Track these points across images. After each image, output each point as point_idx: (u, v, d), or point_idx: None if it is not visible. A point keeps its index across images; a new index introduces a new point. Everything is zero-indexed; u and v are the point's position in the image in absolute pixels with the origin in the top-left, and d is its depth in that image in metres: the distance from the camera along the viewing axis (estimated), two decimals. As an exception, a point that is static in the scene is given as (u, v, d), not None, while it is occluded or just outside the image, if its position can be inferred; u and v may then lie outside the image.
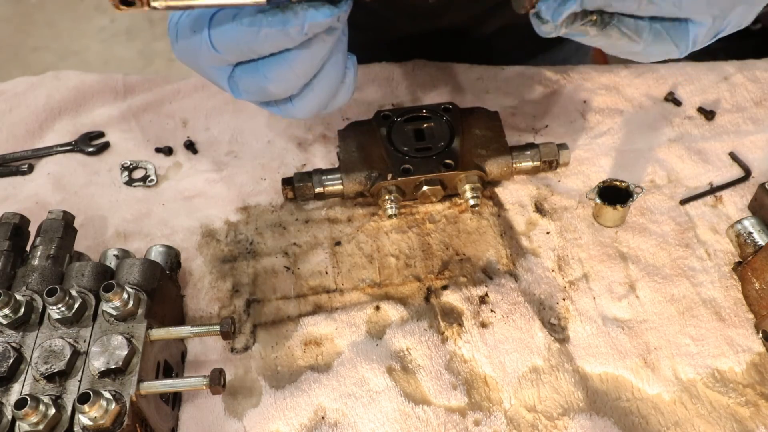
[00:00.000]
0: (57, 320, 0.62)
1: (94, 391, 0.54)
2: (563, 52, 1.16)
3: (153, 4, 0.47)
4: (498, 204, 0.84)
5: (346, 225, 0.83)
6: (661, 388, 0.68)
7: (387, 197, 0.80)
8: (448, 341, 0.72)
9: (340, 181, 0.81)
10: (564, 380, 0.69)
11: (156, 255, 0.74)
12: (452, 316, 0.74)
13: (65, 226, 0.72)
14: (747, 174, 0.85)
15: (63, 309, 0.61)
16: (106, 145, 0.93)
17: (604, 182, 0.79)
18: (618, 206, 0.77)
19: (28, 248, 0.72)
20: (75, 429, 0.56)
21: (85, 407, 0.53)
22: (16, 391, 0.58)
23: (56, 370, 0.58)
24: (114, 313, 0.62)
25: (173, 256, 0.75)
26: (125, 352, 0.58)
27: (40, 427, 0.55)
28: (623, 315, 0.74)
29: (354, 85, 0.59)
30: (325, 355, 0.72)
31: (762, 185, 0.77)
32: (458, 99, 0.96)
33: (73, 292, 0.62)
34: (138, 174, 0.90)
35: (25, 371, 0.59)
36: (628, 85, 0.97)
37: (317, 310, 0.76)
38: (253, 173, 0.89)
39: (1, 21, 3.10)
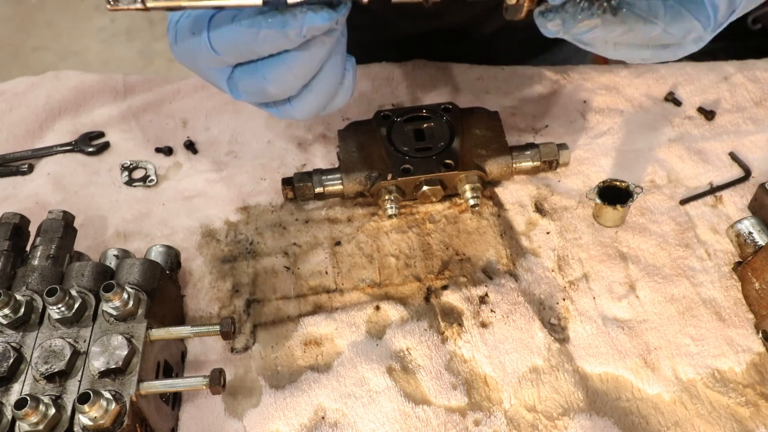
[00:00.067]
0: (57, 320, 0.62)
1: (94, 391, 0.54)
2: (563, 52, 1.16)
3: (148, 4, 0.47)
4: (498, 204, 0.84)
5: (346, 225, 0.83)
6: (661, 388, 0.68)
7: (387, 197, 0.80)
8: (448, 341, 0.72)
9: (340, 181, 0.81)
10: (564, 380, 0.69)
11: (156, 255, 0.74)
12: (452, 316, 0.74)
13: (65, 226, 0.72)
14: (747, 174, 0.85)
15: (63, 309, 0.61)
16: (106, 145, 0.93)
17: (604, 182, 0.79)
18: (618, 206, 0.77)
19: (28, 248, 0.72)
20: (75, 429, 0.56)
21: (85, 407, 0.53)
22: (16, 391, 0.58)
23: (56, 370, 0.58)
24: (114, 313, 0.62)
25: (173, 256, 0.75)
26: (125, 352, 0.58)
27: (40, 427, 0.55)
28: (623, 315, 0.74)
29: (353, 87, 0.59)
30: (325, 355, 0.72)
31: (762, 185, 0.77)
32: (458, 99, 0.96)
33: (73, 292, 0.62)
34: (138, 174, 0.90)
35: (25, 371, 0.59)
36: (628, 85, 0.97)
37: (317, 310, 0.76)
38: (253, 173, 0.89)
39: (1, 21, 3.10)
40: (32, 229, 0.74)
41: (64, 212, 0.74)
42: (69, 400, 0.57)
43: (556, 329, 0.73)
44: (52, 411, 0.55)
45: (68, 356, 0.58)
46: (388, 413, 0.67)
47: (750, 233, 0.75)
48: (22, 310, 0.62)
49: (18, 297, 0.62)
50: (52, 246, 0.70)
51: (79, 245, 0.76)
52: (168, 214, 0.85)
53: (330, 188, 0.81)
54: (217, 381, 0.59)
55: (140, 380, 0.58)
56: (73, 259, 0.73)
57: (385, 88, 0.99)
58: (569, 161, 0.84)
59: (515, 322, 0.73)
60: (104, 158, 0.92)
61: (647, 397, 0.68)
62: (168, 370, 0.67)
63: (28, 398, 0.54)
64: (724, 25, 0.54)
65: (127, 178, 0.89)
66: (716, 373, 0.69)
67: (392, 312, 0.74)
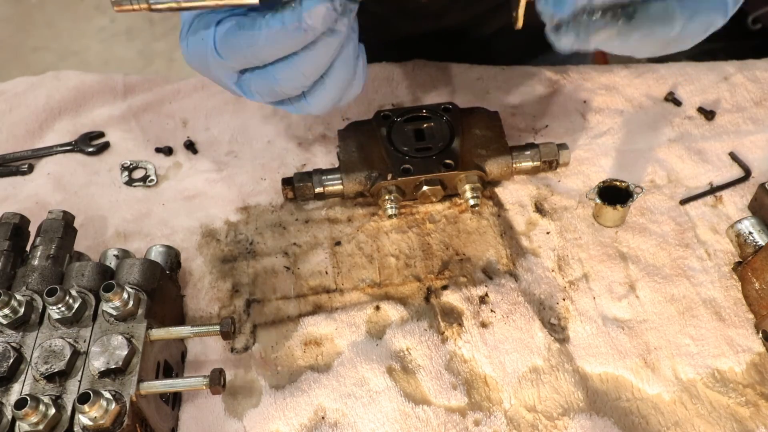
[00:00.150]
0: (57, 320, 0.62)
1: (94, 391, 0.54)
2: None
3: (153, 6, 0.48)
4: (498, 204, 0.84)
5: (346, 225, 0.83)
6: (661, 388, 0.68)
7: (387, 197, 0.80)
8: (448, 341, 0.72)
9: (340, 181, 0.81)
10: (564, 380, 0.69)
11: (156, 255, 0.74)
12: (452, 316, 0.74)
13: (65, 226, 0.72)
14: (747, 174, 0.85)
15: (63, 309, 0.61)
16: (106, 145, 0.93)
17: (604, 182, 0.79)
18: (618, 206, 0.77)
19: (28, 248, 0.72)
20: (75, 429, 0.56)
21: (85, 407, 0.53)
22: (16, 391, 0.58)
23: (56, 370, 0.58)
24: (114, 313, 0.62)
25: (173, 256, 0.75)
26: (125, 352, 0.58)
27: (40, 427, 0.55)
28: (623, 315, 0.74)
29: (365, 75, 0.59)
30: (325, 355, 0.72)
31: (762, 185, 0.77)
32: (458, 99, 0.96)
33: (73, 292, 0.62)
34: (138, 174, 0.90)
35: (25, 371, 0.59)
36: (628, 85, 0.97)
37: (317, 310, 0.76)
38: (253, 173, 0.89)
39: (1, 21, 3.10)
40: (32, 229, 0.74)
41: (64, 212, 0.74)
42: (69, 400, 0.57)
43: (556, 329, 0.73)
44: (52, 411, 0.55)
45: (68, 356, 0.58)
46: (388, 413, 0.67)
47: (750, 233, 0.75)
48: (22, 310, 0.62)
49: (18, 297, 0.62)
50: (52, 246, 0.70)
51: (79, 245, 0.76)
52: (168, 214, 0.85)
53: (330, 188, 0.81)
54: (217, 381, 0.59)
55: (140, 380, 0.58)
56: (73, 259, 0.73)
57: (385, 88, 0.99)
58: (569, 161, 0.84)
59: (515, 322, 0.73)
60: (104, 158, 0.92)
61: (647, 397, 0.68)
62: (168, 370, 0.67)
63: (28, 398, 0.54)
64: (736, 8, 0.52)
65: (127, 178, 0.89)
66: (716, 373, 0.69)
67: (392, 312, 0.74)
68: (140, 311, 0.63)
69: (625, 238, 0.80)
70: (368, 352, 0.71)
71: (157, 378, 0.63)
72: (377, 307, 0.75)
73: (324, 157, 0.90)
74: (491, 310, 0.74)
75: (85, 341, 0.61)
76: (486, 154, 0.82)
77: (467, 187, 0.80)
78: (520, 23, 0.51)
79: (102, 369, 0.58)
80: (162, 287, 0.67)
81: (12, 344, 0.60)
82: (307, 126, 0.94)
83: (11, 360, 0.59)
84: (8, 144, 0.93)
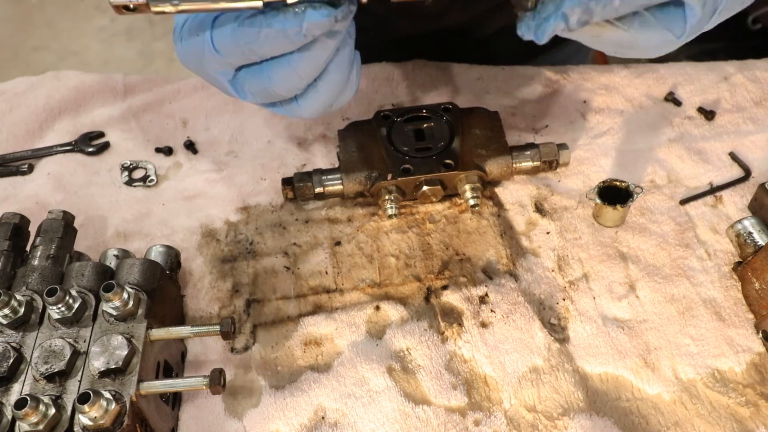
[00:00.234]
0: (57, 320, 0.62)
1: (94, 391, 0.54)
2: (563, 53, 1.16)
3: (154, 9, 0.48)
4: (498, 204, 0.84)
5: (346, 225, 0.83)
6: (661, 388, 0.68)
7: (387, 197, 0.80)
8: (448, 341, 0.72)
9: (340, 181, 0.81)
10: (564, 380, 0.69)
11: (156, 255, 0.74)
12: (452, 316, 0.74)
13: (65, 226, 0.72)
14: (747, 174, 0.85)
15: (63, 309, 0.61)
16: (106, 145, 0.93)
17: (604, 182, 0.79)
18: (618, 206, 0.77)
19: (28, 248, 0.72)
20: (75, 429, 0.56)
21: (85, 407, 0.53)
22: (16, 391, 0.58)
23: (56, 370, 0.58)
24: (114, 313, 0.62)
25: (173, 256, 0.75)
26: (125, 352, 0.58)
27: (40, 427, 0.55)
28: (623, 315, 0.74)
29: (358, 81, 0.59)
30: (325, 355, 0.72)
31: (762, 185, 0.77)
32: (458, 99, 0.96)
33: (73, 292, 0.62)
34: (138, 174, 0.90)
35: (25, 371, 0.59)
36: (628, 85, 0.97)
37: (317, 310, 0.76)
38: (253, 173, 0.89)
39: (1, 21, 3.10)
40: (32, 229, 0.74)
41: (64, 212, 0.74)
42: (69, 400, 0.57)
43: (556, 329, 0.73)
44: (52, 411, 0.55)
45: (68, 356, 0.58)
46: (388, 413, 0.67)
47: (750, 233, 0.75)
48: (22, 310, 0.62)
49: (18, 297, 0.62)
50: (52, 246, 0.70)
51: (79, 245, 0.76)
52: (168, 214, 0.85)
53: (330, 188, 0.81)
54: (217, 381, 0.59)
55: (140, 380, 0.58)
56: (73, 259, 0.73)
57: (385, 88, 0.99)
58: (569, 161, 0.84)
59: (515, 322, 0.73)
60: (104, 158, 0.92)
61: (647, 397, 0.68)
62: (168, 370, 0.67)
63: (28, 398, 0.54)
64: (701, 31, 0.54)
65: (127, 178, 0.89)
66: (716, 373, 0.69)
67: (392, 312, 0.74)
68: (140, 311, 0.63)
69: (625, 238, 0.80)
70: (368, 352, 0.71)
71: (157, 378, 0.63)
72: (377, 307, 0.75)
73: (324, 157, 0.90)
74: (491, 310, 0.74)
75: (85, 341, 0.61)
76: (486, 154, 0.82)
77: (467, 187, 0.80)
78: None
79: (102, 369, 0.58)
80: (162, 287, 0.67)
81: (12, 344, 0.60)
82: (307, 126, 0.94)
83: (11, 360, 0.59)
84: (8, 144, 0.93)
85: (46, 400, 0.55)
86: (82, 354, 0.60)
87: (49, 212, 0.74)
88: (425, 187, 0.80)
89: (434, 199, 0.82)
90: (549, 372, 0.70)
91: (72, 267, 0.67)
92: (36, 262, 0.69)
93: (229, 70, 0.57)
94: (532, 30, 0.50)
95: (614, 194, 0.78)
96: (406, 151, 0.82)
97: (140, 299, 0.63)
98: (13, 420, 0.56)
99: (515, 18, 0.52)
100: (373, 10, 0.51)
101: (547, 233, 0.81)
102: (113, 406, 0.55)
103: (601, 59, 1.73)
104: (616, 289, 0.76)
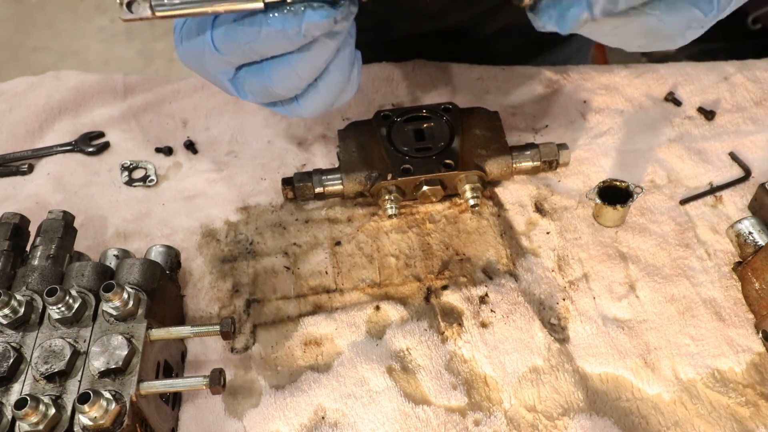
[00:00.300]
0: (57, 320, 0.62)
1: (94, 391, 0.54)
2: (563, 53, 1.16)
3: (159, 14, 0.48)
4: (498, 204, 0.84)
5: (346, 225, 0.83)
6: (661, 388, 0.68)
7: (387, 197, 0.80)
8: (448, 341, 0.72)
9: (340, 181, 0.81)
10: (564, 380, 0.69)
11: (156, 255, 0.74)
12: (452, 316, 0.74)
13: (65, 226, 0.72)
14: (747, 174, 0.85)
15: (63, 309, 0.61)
16: (106, 145, 0.93)
17: (604, 182, 0.79)
18: (618, 206, 0.77)
19: (28, 248, 0.72)
20: (75, 429, 0.56)
21: (85, 407, 0.53)
22: (16, 391, 0.58)
23: (56, 370, 0.58)
24: (114, 313, 0.62)
25: (173, 256, 0.75)
26: (125, 352, 0.58)
27: (40, 427, 0.55)
28: (623, 315, 0.74)
29: (359, 80, 0.59)
30: (325, 355, 0.72)
31: (762, 185, 0.77)
32: (458, 99, 0.96)
33: (73, 292, 0.62)
34: (138, 174, 0.90)
35: (25, 371, 0.59)
36: (628, 85, 0.97)
37: (317, 310, 0.76)
38: (253, 173, 0.89)
39: (1, 21, 3.10)
40: (32, 229, 0.74)
41: (64, 212, 0.74)
42: (69, 400, 0.57)
43: (556, 329, 0.73)
44: (52, 411, 0.55)
45: (68, 356, 0.58)
46: (388, 413, 0.67)
47: (750, 233, 0.75)
48: (22, 310, 0.62)
49: (18, 297, 0.62)
50: (52, 246, 0.70)
51: (79, 245, 0.76)
52: (168, 214, 0.85)
53: (330, 188, 0.81)
54: (217, 381, 0.59)
55: (140, 380, 0.58)
56: (73, 259, 0.73)
57: (385, 88, 0.99)
58: (569, 161, 0.84)
59: (515, 322, 0.73)
60: (104, 158, 0.92)
61: (647, 397, 0.68)
62: (168, 370, 0.67)
63: (28, 398, 0.54)
64: (729, 11, 0.52)
65: (127, 178, 0.89)
66: (716, 373, 0.69)
67: (392, 312, 0.74)
68: (140, 311, 0.63)
69: (625, 238, 0.80)
70: (368, 352, 0.71)
71: (157, 378, 0.63)
72: (377, 307, 0.75)
73: (324, 157, 0.90)
74: (491, 310, 0.74)
75: (85, 341, 0.61)
76: (486, 154, 0.82)
77: (467, 187, 0.80)
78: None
79: (102, 369, 0.58)
80: (162, 287, 0.67)
81: (12, 344, 0.60)
82: (307, 126, 0.94)
83: (11, 360, 0.59)
84: (8, 144, 0.93)
85: (46, 400, 0.55)
86: (82, 354, 0.60)
87: (49, 212, 0.74)
88: (425, 187, 0.80)
89: (434, 199, 0.82)
90: (549, 372, 0.70)
91: (72, 267, 0.67)
92: (36, 262, 0.69)
93: (229, 69, 0.57)
94: (553, 19, 0.48)
95: (614, 194, 0.78)
96: (406, 151, 0.82)
97: (140, 299, 0.63)
98: (13, 420, 0.56)
99: (515, 18, 0.52)
100: (373, 9, 0.51)
101: (547, 233, 0.81)
102: (113, 406, 0.55)
103: (601, 59, 1.73)
104: (616, 289, 0.76)
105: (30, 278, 0.66)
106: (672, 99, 0.95)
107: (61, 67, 2.25)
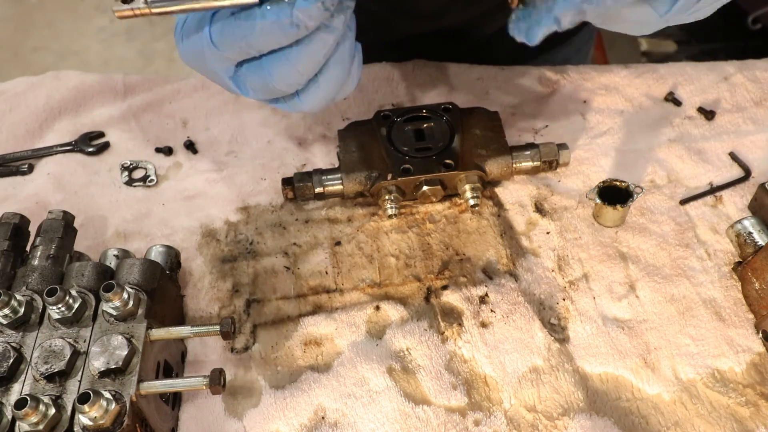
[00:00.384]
0: (57, 320, 0.62)
1: (94, 391, 0.54)
2: (563, 53, 1.16)
3: (155, 10, 0.48)
4: (498, 204, 0.84)
5: (346, 225, 0.83)
6: (661, 388, 0.68)
7: (387, 197, 0.80)
8: (448, 341, 0.72)
9: (340, 181, 0.81)
10: (564, 380, 0.69)
11: (156, 255, 0.74)
12: (452, 316, 0.74)
13: (65, 226, 0.72)
14: (747, 174, 0.85)
15: (63, 309, 0.61)
16: (106, 145, 0.93)
17: (604, 182, 0.79)
18: (618, 206, 0.77)
19: (28, 248, 0.72)
20: (75, 429, 0.56)
21: (85, 407, 0.53)
22: (16, 391, 0.58)
23: (56, 370, 0.58)
24: (114, 313, 0.62)
25: (173, 256, 0.75)
26: (125, 352, 0.58)
27: (40, 427, 0.55)
28: (623, 315, 0.74)
29: (359, 74, 0.60)
30: (325, 355, 0.72)
31: (762, 185, 0.77)
32: (458, 99, 0.96)
33: (73, 292, 0.62)
34: (138, 174, 0.90)
35: (25, 371, 0.59)
36: (628, 85, 0.97)
37: (317, 310, 0.76)
38: (253, 173, 0.89)
39: (1, 21, 3.10)
40: (32, 229, 0.74)
41: (64, 212, 0.74)
42: (69, 400, 0.57)
43: (556, 329, 0.73)
44: (52, 411, 0.55)
45: (68, 356, 0.58)
46: (388, 413, 0.67)
47: (750, 233, 0.75)
48: (22, 310, 0.62)
49: (18, 297, 0.62)
50: (52, 246, 0.70)
51: (79, 245, 0.76)
52: (168, 214, 0.85)
53: (330, 188, 0.81)
54: (217, 381, 0.59)
55: (140, 380, 0.58)
56: (73, 259, 0.73)
57: (385, 88, 0.99)
58: (569, 161, 0.84)
59: (515, 322, 0.73)
60: (104, 158, 0.92)
61: (647, 397, 0.68)
62: (168, 370, 0.67)
63: (28, 398, 0.54)
64: (689, 16, 0.54)
65: (127, 178, 0.89)
66: (716, 373, 0.69)
67: (392, 312, 0.74)
68: (140, 311, 0.63)
69: (625, 238, 0.80)
70: (368, 352, 0.71)
71: (157, 378, 0.63)
72: (377, 307, 0.75)
73: (324, 157, 0.90)
74: (491, 310, 0.74)
75: (85, 341, 0.61)
76: (486, 154, 0.82)
77: (467, 187, 0.80)
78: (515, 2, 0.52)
79: (102, 369, 0.58)
80: (162, 287, 0.67)
81: (12, 344, 0.60)
82: (307, 126, 0.94)
83: (11, 360, 0.59)
84: (8, 144, 0.93)
85: (46, 400, 0.55)
86: (82, 354, 0.60)
87: (49, 212, 0.74)
88: (425, 187, 0.80)
89: (434, 199, 0.82)
90: (549, 372, 0.70)
91: (72, 267, 0.67)
92: (36, 262, 0.69)
93: (229, 66, 0.57)
94: (522, 32, 0.51)
95: (614, 194, 0.78)
96: (406, 151, 0.82)
97: (140, 299, 0.63)
98: (13, 420, 0.56)
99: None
100: (373, 9, 0.51)
101: (547, 233, 0.81)
102: (113, 406, 0.55)
103: (601, 59, 1.73)
104: (616, 289, 0.76)
105: (30, 278, 0.66)
106: (672, 99, 0.95)
107: (61, 67, 2.25)
